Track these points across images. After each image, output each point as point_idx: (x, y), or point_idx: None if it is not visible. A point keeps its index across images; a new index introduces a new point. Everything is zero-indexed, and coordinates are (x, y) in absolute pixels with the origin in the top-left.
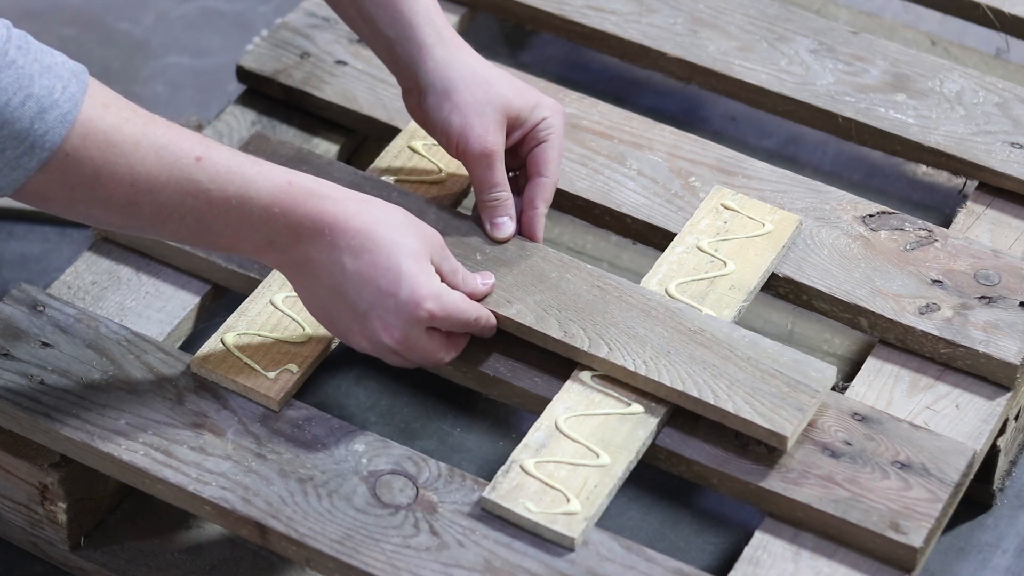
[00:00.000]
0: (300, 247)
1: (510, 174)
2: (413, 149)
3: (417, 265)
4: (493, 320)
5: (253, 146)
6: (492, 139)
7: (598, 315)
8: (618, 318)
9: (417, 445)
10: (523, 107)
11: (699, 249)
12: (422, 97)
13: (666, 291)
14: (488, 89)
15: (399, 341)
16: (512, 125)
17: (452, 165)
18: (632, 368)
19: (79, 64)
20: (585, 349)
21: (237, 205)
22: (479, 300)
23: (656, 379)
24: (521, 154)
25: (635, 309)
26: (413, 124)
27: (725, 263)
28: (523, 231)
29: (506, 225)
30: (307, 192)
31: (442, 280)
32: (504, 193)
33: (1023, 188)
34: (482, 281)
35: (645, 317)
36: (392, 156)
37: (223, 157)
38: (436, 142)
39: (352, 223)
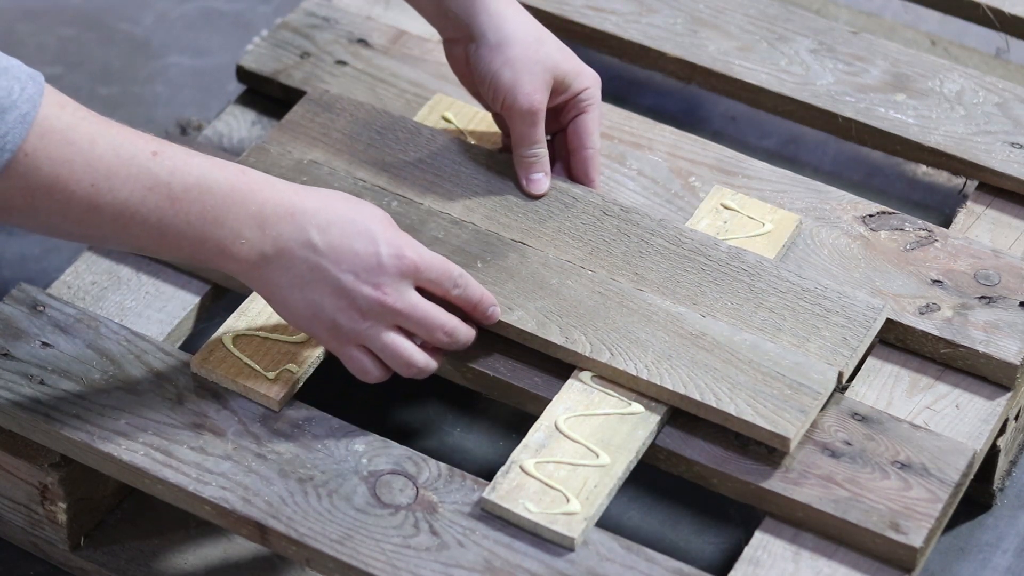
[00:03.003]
0: (268, 235)
1: (548, 137)
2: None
3: (383, 225)
4: (487, 297)
5: (253, 158)
6: (539, 98)
7: (599, 320)
8: (619, 323)
9: (417, 445)
10: (568, 72)
11: None
12: (472, 47)
13: None
14: (539, 48)
15: (395, 300)
16: (556, 88)
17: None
18: (634, 372)
19: (34, 69)
20: (587, 355)
21: (198, 196)
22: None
23: (658, 383)
24: (561, 120)
25: (636, 314)
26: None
27: None
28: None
29: (542, 181)
30: (261, 179)
31: None
32: (543, 150)
33: (1023, 188)
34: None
35: (646, 322)
36: None
37: (177, 151)
38: (473, 96)
39: (310, 202)
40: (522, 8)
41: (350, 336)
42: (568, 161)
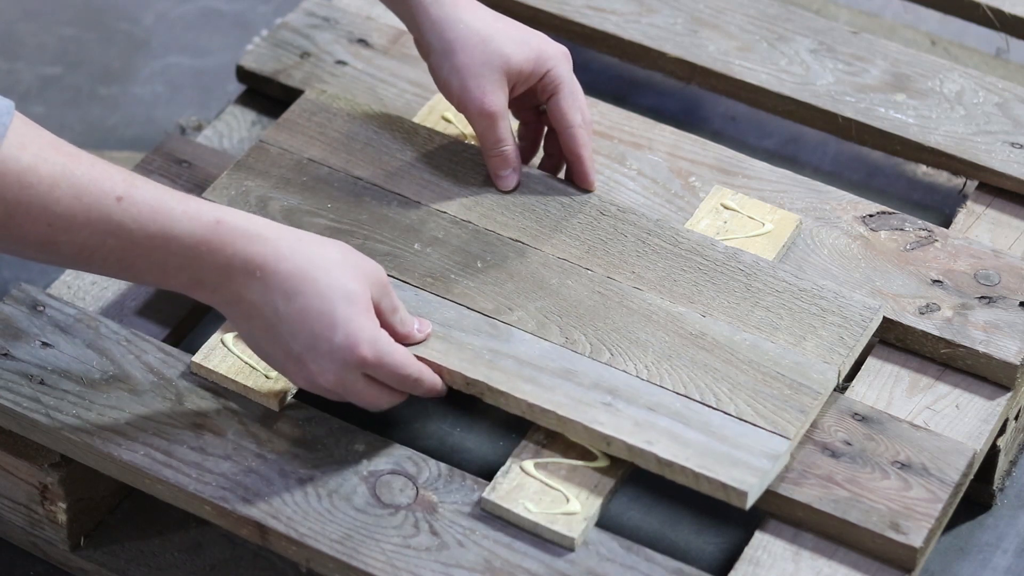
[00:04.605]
0: (231, 287)
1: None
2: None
3: (352, 309)
4: (438, 383)
5: (253, 157)
6: (490, 99)
7: (599, 321)
8: (619, 323)
9: (417, 445)
10: (524, 62)
11: None
12: (426, 55)
13: None
14: (485, 48)
15: (334, 384)
16: (514, 80)
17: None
18: (634, 373)
19: (7, 101)
20: (587, 355)
21: (162, 244)
22: (413, 344)
23: (658, 383)
24: (537, 104)
25: (636, 314)
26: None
27: None
28: (577, 182)
29: (510, 178)
30: (238, 232)
31: (379, 317)
32: (507, 148)
33: (1023, 188)
34: (418, 327)
35: (646, 322)
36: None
37: (148, 196)
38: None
39: (284, 265)
40: (468, 4)
41: (294, 381)
42: (558, 145)
